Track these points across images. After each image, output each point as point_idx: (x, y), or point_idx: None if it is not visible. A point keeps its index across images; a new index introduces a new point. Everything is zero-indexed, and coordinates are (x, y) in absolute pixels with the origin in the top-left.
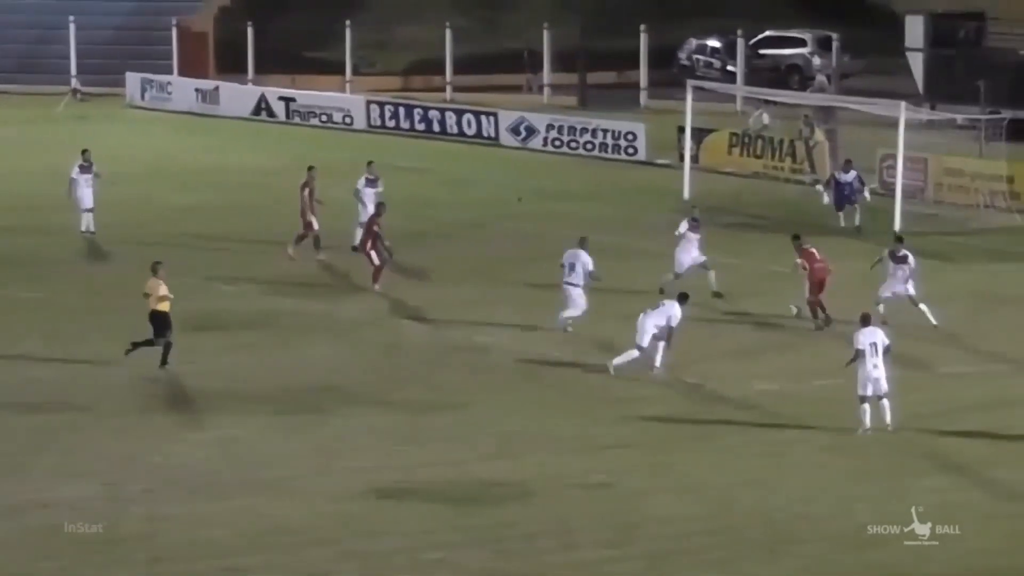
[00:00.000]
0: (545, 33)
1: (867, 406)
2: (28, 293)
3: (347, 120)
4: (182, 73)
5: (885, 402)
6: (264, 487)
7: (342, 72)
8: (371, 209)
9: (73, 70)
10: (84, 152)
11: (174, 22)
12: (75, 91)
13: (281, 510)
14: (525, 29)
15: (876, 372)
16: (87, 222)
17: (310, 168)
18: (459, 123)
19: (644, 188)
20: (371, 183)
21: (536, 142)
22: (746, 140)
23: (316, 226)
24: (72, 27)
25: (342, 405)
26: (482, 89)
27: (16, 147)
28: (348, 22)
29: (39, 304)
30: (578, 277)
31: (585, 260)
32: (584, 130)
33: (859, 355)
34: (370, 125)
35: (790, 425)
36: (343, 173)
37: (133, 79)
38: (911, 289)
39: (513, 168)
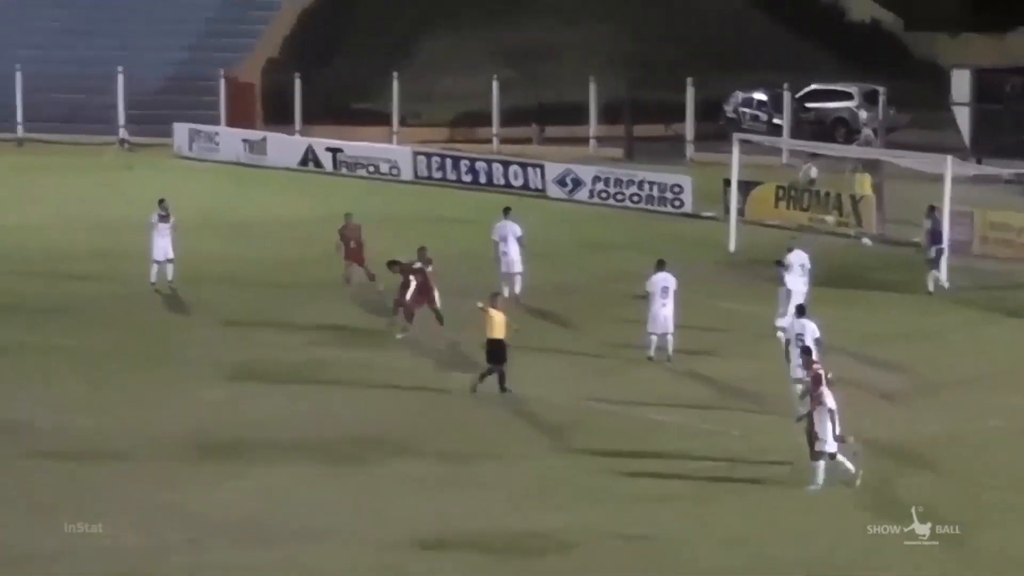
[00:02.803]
0: (591, 86)
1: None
2: (68, 340)
3: (394, 171)
4: (229, 123)
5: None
6: (305, 536)
7: (389, 123)
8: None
9: (121, 120)
10: (161, 201)
11: (221, 73)
12: (122, 141)
13: (322, 559)
14: (571, 81)
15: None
16: (162, 272)
17: (348, 215)
18: (506, 174)
19: (690, 240)
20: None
21: (582, 194)
22: (792, 193)
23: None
24: (120, 78)
25: (383, 454)
26: (528, 141)
27: (61, 196)
28: (395, 73)
29: (78, 351)
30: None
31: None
32: (630, 182)
33: (832, 414)
34: (417, 176)
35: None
36: (389, 224)
37: (181, 129)
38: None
39: (560, 220)
